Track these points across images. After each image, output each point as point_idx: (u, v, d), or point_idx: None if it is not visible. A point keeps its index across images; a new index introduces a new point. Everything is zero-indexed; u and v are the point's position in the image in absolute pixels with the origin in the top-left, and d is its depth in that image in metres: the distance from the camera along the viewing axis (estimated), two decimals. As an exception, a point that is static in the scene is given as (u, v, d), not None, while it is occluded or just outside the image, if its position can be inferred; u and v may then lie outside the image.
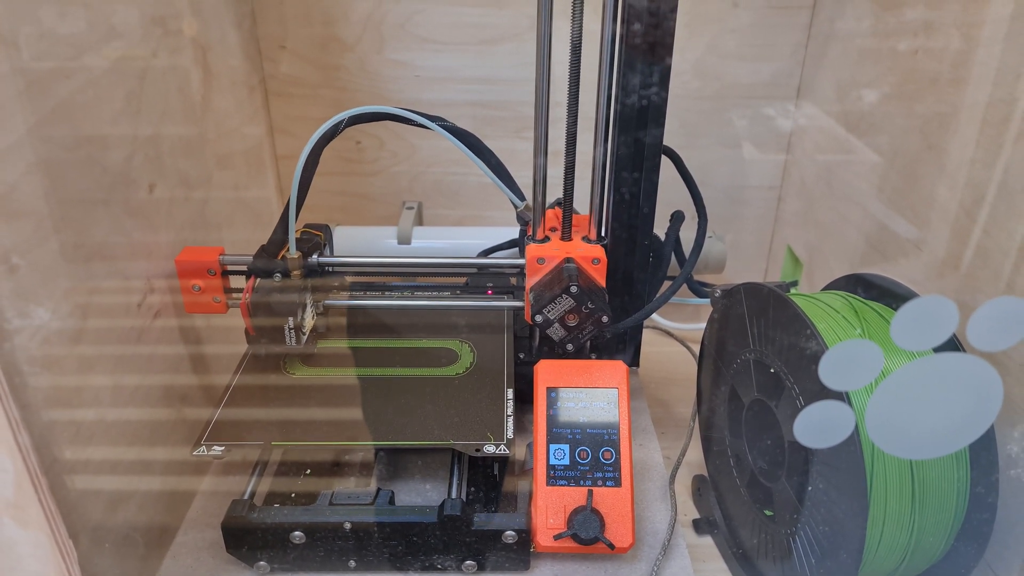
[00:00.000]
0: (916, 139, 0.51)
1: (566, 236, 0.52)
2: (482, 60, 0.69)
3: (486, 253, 0.62)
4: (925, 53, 0.50)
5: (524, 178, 0.52)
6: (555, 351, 0.51)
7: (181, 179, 0.52)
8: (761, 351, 0.43)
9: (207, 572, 0.45)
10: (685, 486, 0.54)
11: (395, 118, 0.51)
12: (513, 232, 0.63)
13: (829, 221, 0.65)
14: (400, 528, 0.43)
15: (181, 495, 0.50)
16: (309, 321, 0.52)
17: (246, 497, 0.45)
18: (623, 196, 0.50)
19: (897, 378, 0.31)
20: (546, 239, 0.52)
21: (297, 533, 0.43)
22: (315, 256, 0.53)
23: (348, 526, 0.43)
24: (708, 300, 0.50)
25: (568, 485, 0.45)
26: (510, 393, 0.50)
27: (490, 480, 0.49)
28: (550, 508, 0.44)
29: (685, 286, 0.54)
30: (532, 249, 0.51)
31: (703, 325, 0.52)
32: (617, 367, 0.48)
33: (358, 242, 0.66)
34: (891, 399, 0.31)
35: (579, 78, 0.47)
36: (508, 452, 0.45)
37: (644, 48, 0.45)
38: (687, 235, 0.56)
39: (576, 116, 0.48)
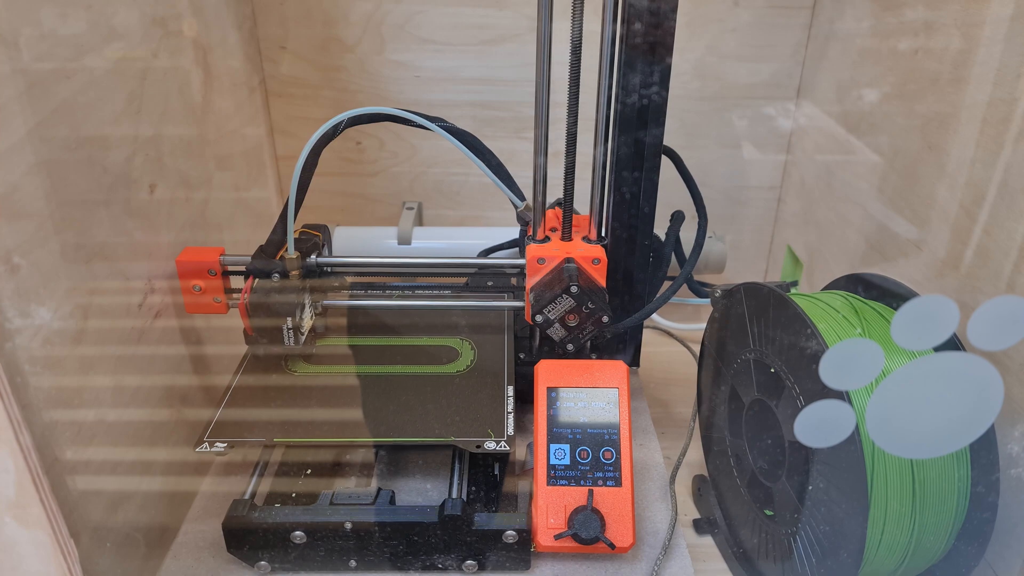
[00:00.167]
0: (916, 139, 0.51)
1: (566, 236, 0.52)
2: (482, 60, 0.69)
3: (486, 253, 0.62)
4: (925, 53, 0.50)
5: (524, 178, 0.52)
6: (555, 351, 0.51)
7: (182, 180, 0.52)
8: (761, 351, 0.43)
9: (208, 572, 0.45)
10: (685, 486, 0.54)
11: (395, 119, 0.51)
12: (513, 232, 0.63)
13: (829, 221, 0.65)
14: (401, 528, 0.43)
15: (182, 495, 0.50)
16: (307, 321, 0.52)
17: (247, 497, 0.45)
18: (623, 196, 0.50)
19: (897, 377, 0.31)
20: (546, 239, 0.52)
21: (298, 533, 0.43)
22: (313, 256, 0.53)
23: (349, 526, 0.43)
24: (708, 300, 0.50)
25: (568, 485, 0.45)
26: (510, 390, 0.50)
27: (491, 480, 0.49)
28: (551, 508, 0.44)
29: (685, 286, 0.54)
30: (532, 249, 0.51)
31: (703, 325, 0.52)
32: (617, 367, 0.48)
33: (358, 242, 0.66)
34: (891, 398, 0.31)
35: (579, 78, 0.47)
36: (508, 448, 0.45)
37: (644, 48, 0.45)
38: (687, 235, 0.56)
39: (576, 116, 0.48)
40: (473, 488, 0.48)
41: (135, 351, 0.45)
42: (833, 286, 0.49)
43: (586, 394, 0.47)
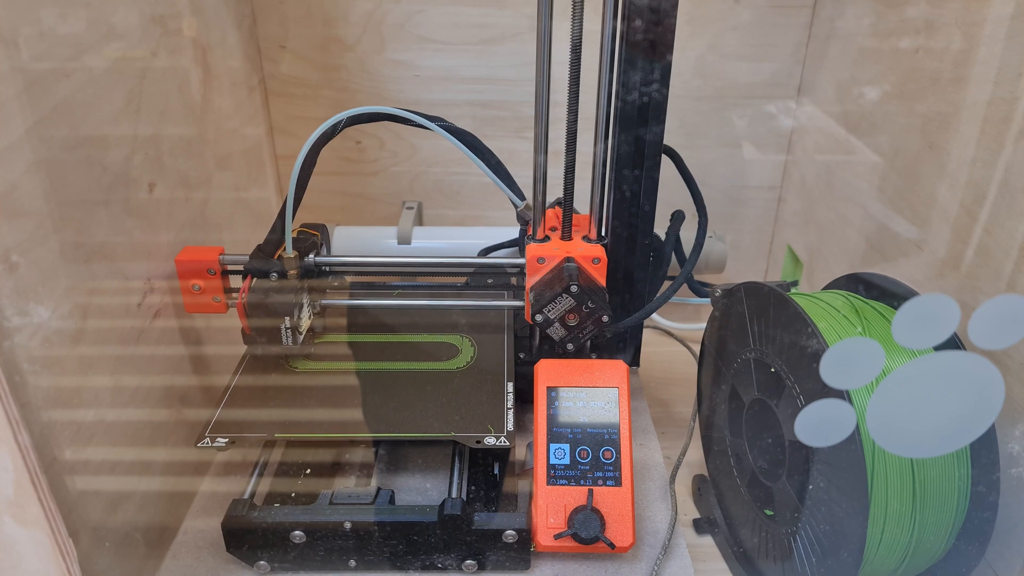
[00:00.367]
0: (917, 138, 0.51)
1: (566, 235, 0.52)
2: (482, 60, 0.69)
3: (486, 251, 0.62)
4: (926, 52, 0.50)
5: (524, 178, 0.52)
6: (555, 350, 0.51)
7: (181, 179, 0.52)
8: (762, 350, 0.43)
9: (207, 571, 0.45)
10: (685, 486, 0.54)
11: (394, 118, 0.51)
12: (513, 232, 0.63)
13: (829, 221, 0.65)
14: (400, 527, 0.43)
15: (181, 495, 0.50)
16: (306, 321, 0.52)
17: (246, 496, 0.45)
18: (623, 195, 0.50)
19: (898, 376, 0.31)
20: (546, 238, 0.52)
21: (297, 532, 0.43)
22: (312, 256, 0.53)
23: (348, 525, 0.43)
24: (708, 300, 0.50)
25: (568, 484, 0.45)
26: (510, 386, 0.50)
27: (490, 479, 0.49)
28: (550, 507, 0.44)
29: (685, 286, 0.54)
30: (532, 248, 0.51)
31: (703, 325, 0.52)
32: (617, 367, 0.48)
33: (358, 242, 0.66)
34: (892, 398, 0.31)
35: (579, 77, 0.47)
36: (508, 444, 0.45)
37: (645, 45, 0.45)
38: (687, 235, 0.56)
39: (576, 114, 0.48)
40: (473, 488, 0.48)
41: (134, 351, 0.45)
42: (833, 286, 0.49)
43: (586, 394, 0.47)
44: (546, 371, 0.48)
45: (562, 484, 0.45)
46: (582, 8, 0.45)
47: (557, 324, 0.50)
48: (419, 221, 0.73)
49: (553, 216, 0.54)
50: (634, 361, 0.62)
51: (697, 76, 0.70)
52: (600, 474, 0.45)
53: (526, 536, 0.44)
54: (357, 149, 0.74)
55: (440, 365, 0.53)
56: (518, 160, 0.58)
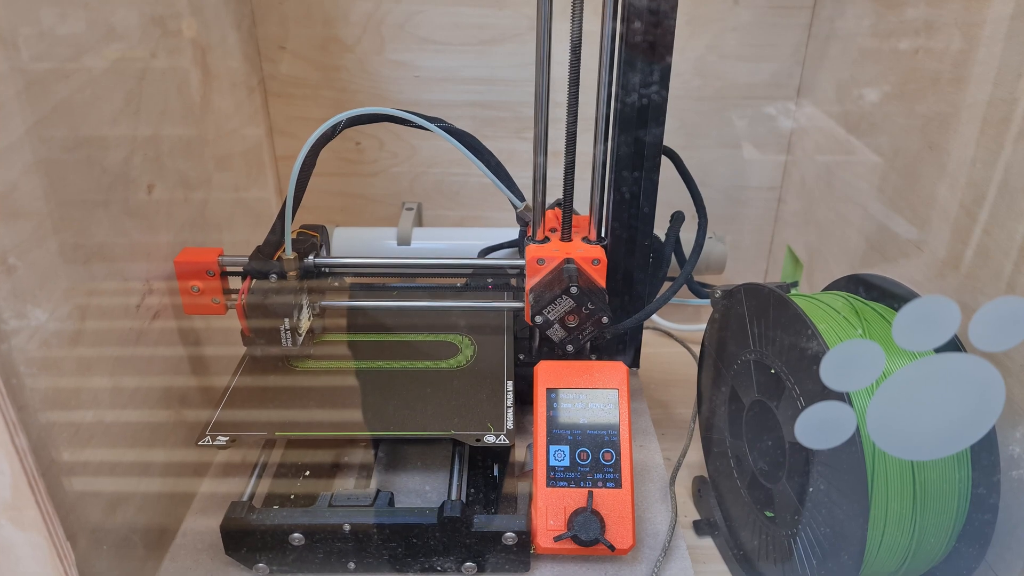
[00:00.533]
0: (917, 139, 0.50)
1: (566, 237, 0.52)
2: (482, 60, 0.69)
3: (486, 252, 0.62)
4: (926, 52, 0.50)
5: (524, 178, 0.52)
6: (555, 352, 0.51)
7: (180, 180, 0.51)
8: (762, 352, 0.43)
9: (206, 574, 0.44)
10: (685, 487, 0.54)
11: (393, 119, 0.51)
12: (513, 233, 0.63)
13: (829, 221, 0.65)
14: (400, 530, 0.43)
15: (180, 496, 0.50)
16: (305, 322, 0.52)
17: (245, 499, 0.45)
18: (623, 196, 0.50)
19: (898, 379, 0.30)
20: (546, 240, 0.52)
21: (296, 535, 0.43)
22: (311, 257, 0.53)
23: (347, 528, 0.43)
24: (708, 301, 0.50)
25: (568, 486, 0.44)
26: (510, 385, 0.50)
27: (490, 481, 0.49)
28: (550, 509, 0.44)
29: (685, 287, 0.54)
30: (532, 250, 0.51)
31: (703, 326, 0.52)
32: (617, 368, 0.48)
33: (358, 243, 0.66)
34: (892, 400, 0.31)
35: (579, 77, 0.47)
36: (508, 441, 0.45)
37: (644, 46, 0.45)
38: (687, 235, 0.56)
39: (576, 115, 0.48)
40: (472, 490, 0.48)
41: (133, 352, 0.45)
42: (833, 287, 0.49)
43: (586, 395, 0.47)
44: (546, 372, 0.48)
45: (562, 486, 0.44)
46: (581, 9, 0.45)
47: (557, 325, 0.49)
48: (419, 222, 0.73)
49: (553, 217, 0.54)
50: (634, 362, 0.62)
51: (697, 76, 0.70)
52: (600, 476, 0.45)
53: (526, 538, 0.43)
54: (357, 150, 0.74)
55: (440, 364, 0.53)
56: (518, 161, 0.58)
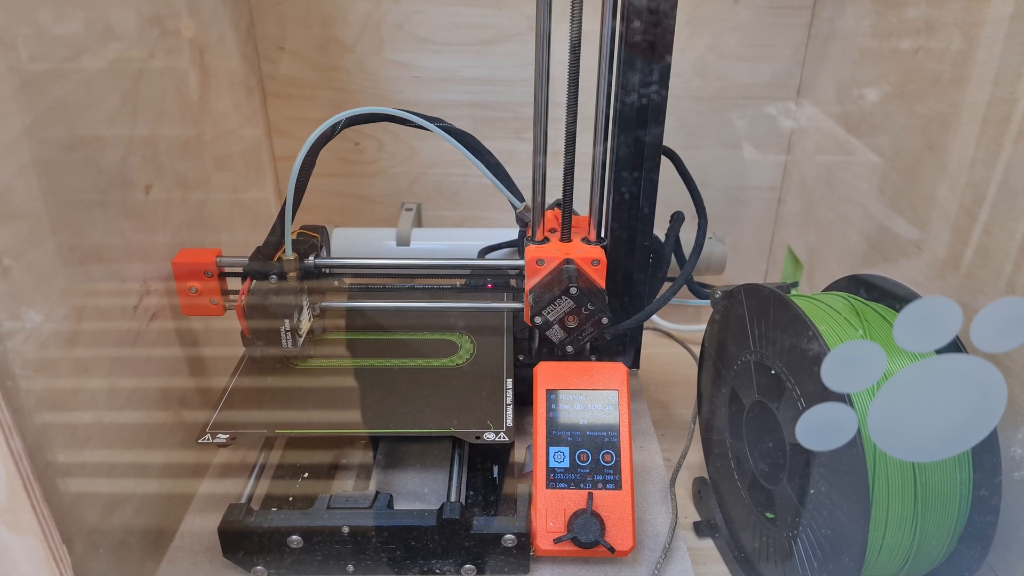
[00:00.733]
0: (917, 139, 0.50)
1: (565, 237, 0.52)
2: (481, 60, 0.69)
3: (486, 251, 0.62)
4: (926, 52, 0.49)
5: (524, 179, 0.52)
6: (555, 353, 0.51)
7: (178, 180, 0.51)
8: (762, 353, 0.43)
9: (204, 576, 0.44)
10: (686, 488, 0.54)
11: (393, 119, 0.51)
12: (512, 233, 0.63)
13: (829, 222, 0.64)
14: (399, 532, 0.43)
15: (178, 498, 0.49)
16: (305, 323, 0.52)
17: (243, 500, 0.44)
18: (623, 196, 0.50)
19: (900, 380, 0.30)
20: (545, 240, 0.52)
21: (294, 537, 0.43)
22: (311, 258, 0.53)
23: (346, 530, 0.43)
24: (708, 301, 0.50)
25: (568, 488, 0.44)
26: (509, 383, 0.50)
27: (489, 483, 0.49)
28: (550, 511, 0.44)
29: (685, 287, 0.54)
30: (531, 250, 0.51)
31: (703, 327, 0.52)
32: (617, 369, 0.48)
33: (357, 244, 0.65)
34: (894, 401, 0.31)
35: (578, 77, 0.47)
36: (507, 439, 0.45)
37: (644, 46, 0.45)
38: (687, 236, 0.55)
39: (575, 115, 0.48)
40: (472, 492, 0.48)
41: (131, 353, 0.44)
42: (834, 287, 0.49)
43: (585, 396, 0.47)
44: (545, 374, 0.48)
45: (562, 488, 0.44)
46: (581, 8, 0.45)
47: (556, 326, 0.49)
48: (418, 222, 0.72)
49: (552, 218, 0.54)
50: (634, 363, 0.62)
51: (697, 76, 0.69)
52: (600, 477, 0.44)
53: (525, 540, 0.43)
54: (356, 150, 0.74)
55: (439, 362, 0.53)
56: (517, 161, 0.58)
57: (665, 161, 0.51)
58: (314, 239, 0.54)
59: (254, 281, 0.50)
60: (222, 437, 0.45)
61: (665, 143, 0.49)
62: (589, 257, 0.50)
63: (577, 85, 0.47)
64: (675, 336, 0.72)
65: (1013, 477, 0.38)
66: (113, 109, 0.43)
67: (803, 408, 0.38)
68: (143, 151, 0.46)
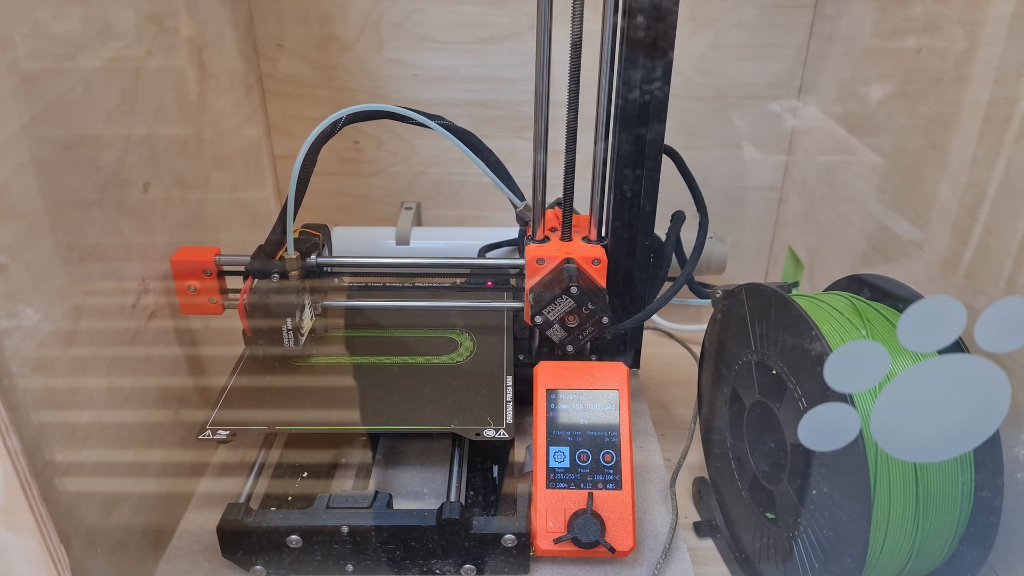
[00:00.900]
0: (919, 139, 0.50)
1: (566, 236, 0.52)
2: (481, 59, 0.69)
3: (486, 249, 0.62)
4: (929, 52, 0.49)
5: (524, 178, 0.52)
6: (555, 352, 0.51)
7: (177, 179, 0.51)
8: (763, 352, 0.43)
9: (202, 576, 0.44)
10: (686, 488, 0.54)
11: (394, 116, 0.50)
12: (513, 232, 0.62)
13: (830, 222, 0.64)
14: (398, 532, 0.43)
15: (177, 497, 0.49)
16: (307, 322, 0.51)
17: (242, 500, 0.44)
18: (624, 195, 0.50)
19: (903, 380, 0.30)
20: (546, 239, 0.52)
21: (294, 537, 0.43)
22: (313, 257, 0.52)
23: (346, 530, 0.43)
24: (709, 301, 0.49)
25: (568, 488, 0.44)
26: (509, 380, 0.50)
27: (489, 483, 0.49)
28: (550, 511, 0.44)
29: (686, 287, 0.54)
30: (532, 249, 0.51)
31: (704, 326, 0.52)
32: (617, 369, 0.47)
33: (356, 243, 0.65)
34: (896, 401, 0.31)
35: (579, 76, 0.46)
36: (507, 436, 0.45)
37: (646, 42, 0.45)
38: (687, 235, 0.55)
39: (576, 114, 0.47)
40: (471, 492, 0.48)
41: (129, 352, 0.44)
42: (835, 287, 0.48)
43: (586, 396, 0.47)
44: (546, 373, 0.47)
45: (562, 487, 0.44)
46: (582, 6, 0.45)
47: (557, 326, 0.49)
48: (418, 221, 0.72)
49: (553, 216, 0.54)
50: (634, 363, 0.62)
51: (698, 75, 0.69)
52: (600, 477, 0.44)
53: (525, 540, 0.43)
54: (355, 149, 0.74)
55: (439, 359, 0.53)
56: (517, 160, 0.58)
57: (666, 160, 0.51)
58: (316, 238, 0.53)
59: (256, 280, 0.49)
60: (222, 433, 0.45)
61: (666, 142, 0.49)
62: (590, 256, 0.50)
63: (578, 83, 0.47)
64: (676, 336, 0.72)
65: (1016, 478, 0.38)
66: (111, 107, 0.43)
67: (804, 408, 0.38)
68: (141, 150, 0.46)
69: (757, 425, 0.45)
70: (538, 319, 0.49)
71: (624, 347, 0.58)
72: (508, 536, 0.43)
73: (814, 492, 0.38)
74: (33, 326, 0.35)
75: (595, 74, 0.48)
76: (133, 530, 0.44)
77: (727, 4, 0.67)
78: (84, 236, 0.40)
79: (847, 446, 0.33)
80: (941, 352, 0.30)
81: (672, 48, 0.45)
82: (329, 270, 0.55)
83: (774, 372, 0.42)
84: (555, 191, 0.51)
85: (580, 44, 0.46)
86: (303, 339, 0.50)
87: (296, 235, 0.52)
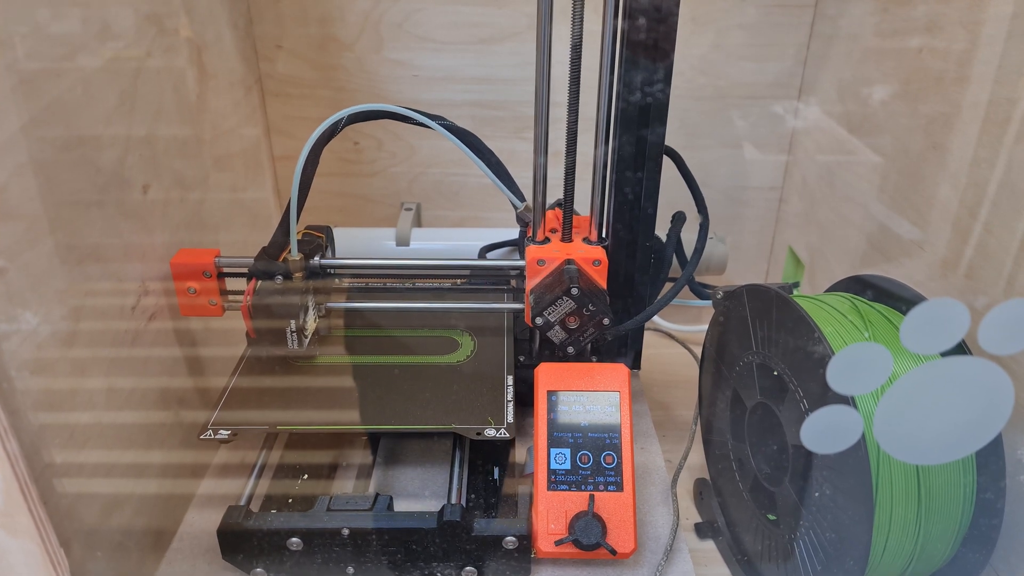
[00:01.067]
0: (920, 139, 0.50)
1: (566, 237, 0.52)
2: (481, 59, 0.69)
3: (487, 249, 0.61)
4: (930, 51, 0.49)
5: (524, 179, 0.52)
6: (556, 354, 0.51)
7: (176, 180, 0.51)
8: (764, 354, 0.42)
9: (203, 579, 0.44)
10: (687, 490, 0.54)
11: (395, 116, 0.50)
12: (513, 233, 0.62)
13: (831, 222, 0.64)
14: (399, 534, 0.43)
15: (177, 499, 0.49)
16: (311, 323, 0.51)
17: (243, 503, 0.44)
18: (625, 196, 0.49)
19: (906, 382, 0.30)
20: (546, 240, 0.52)
21: (294, 539, 0.42)
22: (317, 258, 0.52)
23: (346, 532, 0.42)
24: (710, 302, 0.49)
25: (569, 490, 0.44)
26: (510, 380, 0.50)
27: (490, 485, 0.49)
28: (551, 513, 0.43)
29: (686, 288, 0.54)
30: (532, 251, 0.50)
31: (704, 327, 0.52)
32: (618, 370, 0.47)
33: (356, 244, 0.65)
34: (899, 403, 0.30)
35: (580, 76, 0.46)
36: (508, 435, 0.45)
37: (647, 45, 0.45)
38: (687, 236, 0.55)
39: (577, 115, 0.47)
40: (472, 494, 0.48)
41: (129, 353, 0.44)
42: (836, 287, 0.48)
43: (587, 398, 0.47)
44: (546, 375, 0.47)
45: (563, 489, 0.44)
46: (582, 7, 0.44)
47: (557, 327, 0.49)
48: (418, 222, 0.72)
49: (553, 218, 0.53)
50: (635, 364, 0.62)
51: (699, 76, 0.69)
52: (601, 479, 0.44)
53: (526, 542, 0.43)
54: (355, 150, 0.74)
55: (440, 359, 0.52)
56: (518, 161, 0.58)
57: (666, 161, 0.51)
58: (319, 239, 0.53)
59: (259, 281, 0.49)
60: (224, 433, 0.45)
61: (666, 143, 0.49)
62: (590, 257, 0.50)
63: (578, 84, 0.46)
64: (676, 337, 0.72)
65: (1018, 480, 0.38)
66: (110, 108, 0.42)
67: (806, 410, 0.38)
68: (141, 150, 0.46)
69: (758, 426, 0.45)
70: (539, 320, 0.49)
71: (625, 348, 0.58)
72: (509, 538, 0.43)
73: (816, 494, 0.38)
74: (32, 329, 0.35)
75: (595, 75, 0.48)
76: (133, 532, 0.44)
77: (728, 4, 0.67)
78: (83, 237, 0.40)
79: (849, 448, 0.33)
80: (944, 354, 0.30)
81: (673, 50, 0.45)
82: (332, 272, 0.54)
83: (776, 373, 0.41)
84: (555, 192, 0.51)
85: (580, 45, 0.45)
86: (307, 340, 0.50)
87: (299, 236, 0.51)
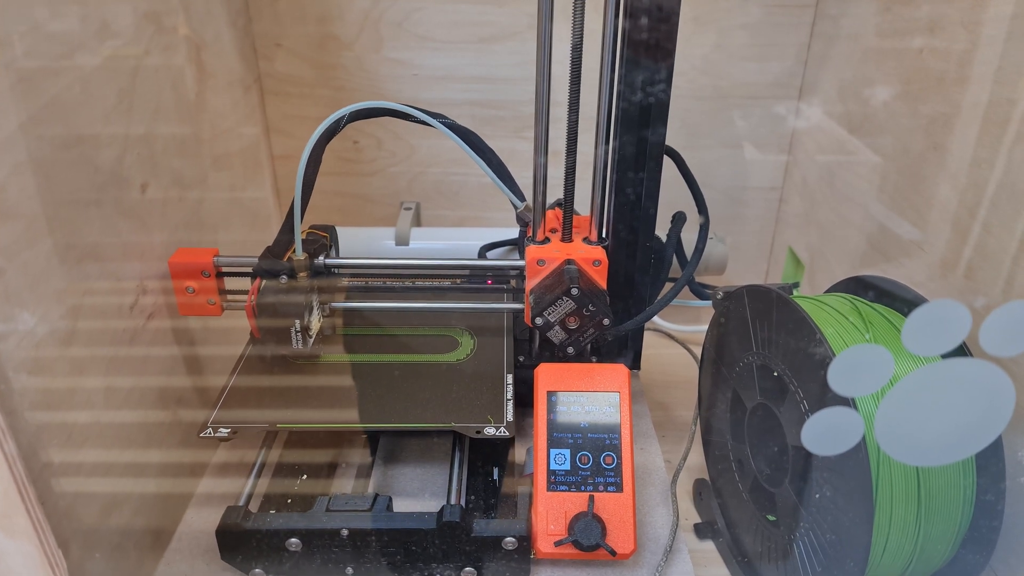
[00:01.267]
0: (920, 139, 0.50)
1: (567, 237, 0.51)
2: (482, 59, 0.69)
3: (487, 248, 0.61)
4: (931, 52, 0.49)
5: (524, 178, 0.52)
6: (555, 354, 0.51)
7: (175, 179, 0.51)
8: (765, 354, 0.42)
9: (201, 579, 0.44)
10: (687, 490, 0.54)
11: (396, 114, 0.50)
12: (513, 233, 0.62)
13: (831, 222, 0.64)
14: (398, 535, 0.43)
15: (176, 499, 0.49)
16: (316, 323, 0.51)
17: (241, 503, 0.44)
18: (625, 196, 0.49)
19: (907, 384, 0.30)
20: (546, 240, 0.52)
21: (293, 540, 0.42)
22: (321, 257, 0.52)
23: (345, 533, 0.42)
24: (710, 302, 0.49)
25: (569, 490, 0.44)
26: (509, 378, 0.50)
27: (489, 485, 0.49)
28: (551, 514, 0.43)
29: (686, 288, 0.54)
30: (532, 251, 0.50)
31: (704, 327, 0.52)
32: (618, 370, 0.47)
33: (356, 243, 0.65)
34: (899, 405, 0.30)
35: (580, 76, 0.46)
36: (508, 434, 0.45)
37: (648, 44, 0.44)
38: (687, 236, 0.55)
39: (577, 114, 0.47)
40: (472, 495, 0.48)
41: (127, 353, 0.44)
42: (836, 288, 0.48)
43: (586, 398, 0.46)
44: (546, 375, 0.47)
45: (563, 490, 0.44)
46: (583, 7, 0.44)
47: (557, 327, 0.49)
48: (417, 222, 0.72)
49: (553, 217, 0.53)
50: (635, 364, 0.62)
51: (698, 76, 0.69)
52: (601, 480, 0.44)
53: (526, 543, 0.43)
54: (355, 149, 0.73)
55: (440, 357, 0.52)
56: (518, 160, 0.57)
57: (666, 160, 0.51)
58: (324, 239, 0.53)
59: (264, 281, 0.49)
60: (224, 431, 0.45)
61: (667, 143, 0.49)
62: (590, 257, 0.50)
63: (579, 84, 0.46)
64: (676, 337, 0.72)
65: (1018, 482, 0.38)
66: (109, 107, 0.42)
67: (806, 411, 0.38)
68: (139, 149, 0.46)
69: (758, 427, 0.45)
70: (538, 321, 0.49)
71: (625, 349, 0.58)
72: (509, 539, 0.43)
73: (816, 495, 0.38)
74: (30, 329, 0.34)
75: (596, 74, 0.48)
76: (131, 532, 0.43)
77: (729, 4, 0.66)
78: (82, 236, 0.39)
79: (849, 449, 0.33)
80: (945, 356, 0.30)
81: (674, 50, 0.45)
82: (336, 271, 0.54)
83: (776, 374, 0.41)
84: (555, 192, 0.50)
85: (581, 45, 0.45)
86: (311, 340, 0.50)
87: (303, 236, 0.51)
